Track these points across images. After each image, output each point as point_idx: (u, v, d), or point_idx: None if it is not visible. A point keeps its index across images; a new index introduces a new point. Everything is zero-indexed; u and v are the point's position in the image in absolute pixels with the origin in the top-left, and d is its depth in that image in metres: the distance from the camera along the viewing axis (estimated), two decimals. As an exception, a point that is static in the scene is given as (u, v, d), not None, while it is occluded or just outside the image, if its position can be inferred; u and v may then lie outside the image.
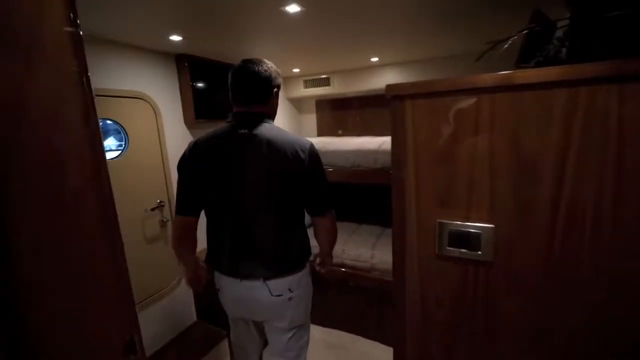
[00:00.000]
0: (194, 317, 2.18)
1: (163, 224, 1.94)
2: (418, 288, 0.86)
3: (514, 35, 0.84)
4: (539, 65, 0.77)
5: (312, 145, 1.13)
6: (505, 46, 0.78)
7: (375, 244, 2.25)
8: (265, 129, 1.10)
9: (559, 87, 0.65)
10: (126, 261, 0.87)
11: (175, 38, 1.63)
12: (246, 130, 1.09)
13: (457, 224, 0.78)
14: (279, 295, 1.16)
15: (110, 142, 2.04)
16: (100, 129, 0.80)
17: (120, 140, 1.89)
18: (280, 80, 1.18)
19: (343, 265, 2.21)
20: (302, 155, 1.08)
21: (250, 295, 1.18)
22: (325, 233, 1.25)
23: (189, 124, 2.09)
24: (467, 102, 0.73)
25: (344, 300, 2.29)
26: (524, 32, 0.82)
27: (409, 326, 0.90)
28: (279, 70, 1.18)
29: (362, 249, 2.20)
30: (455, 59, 2.37)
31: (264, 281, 1.15)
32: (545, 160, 0.68)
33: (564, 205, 0.68)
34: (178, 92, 2.02)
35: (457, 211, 0.78)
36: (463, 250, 0.78)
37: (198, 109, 2.06)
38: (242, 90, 1.12)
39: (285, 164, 1.07)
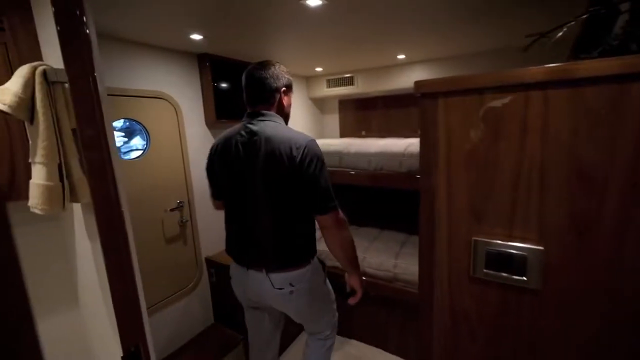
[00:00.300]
0: (212, 320, 2.17)
1: (182, 224, 1.93)
2: (448, 314, 0.76)
3: (571, 21, 0.71)
4: (603, 55, 0.64)
5: (310, 142, 1.12)
6: (560, 34, 0.66)
7: (398, 253, 2.13)
8: (267, 127, 1.14)
9: (634, 82, 0.52)
10: (133, 270, 0.83)
11: (196, 37, 1.61)
12: (250, 129, 1.16)
13: (496, 243, 0.66)
14: (280, 289, 1.20)
15: (136, 142, 2.07)
16: (107, 129, 0.77)
17: (144, 140, 1.91)
18: (286, 81, 1.24)
19: (364, 274, 2.10)
20: (294, 152, 1.08)
21: (255, 285, 1.24)
22: (329, 234, 1.19)
23: (210, 123, 2.08)
24: (512, 100, 0.61)
25: (364, 310, 2.18)
26: (583, 17, 0.69)
27: (438, 358, 0.79)
28: (285, 70, 1.24)
29: (384, 257, 2.08)
30: (487, 55, 2.20)
31: (266, 273, 1.19)
32: (613, 171, 0.55)
33: (635, 229, 0.55)
34: (199, 92, 2.01)
35: (497, 228, 0.67)
36: (504, 274, 0.66)
37: (219, 108, 2.04)
38: (249, 93, 1.22)
39: (279, 161, 1.09)
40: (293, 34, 1.68)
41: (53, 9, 0.65)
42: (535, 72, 0.58)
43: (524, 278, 0.64)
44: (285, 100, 1.25)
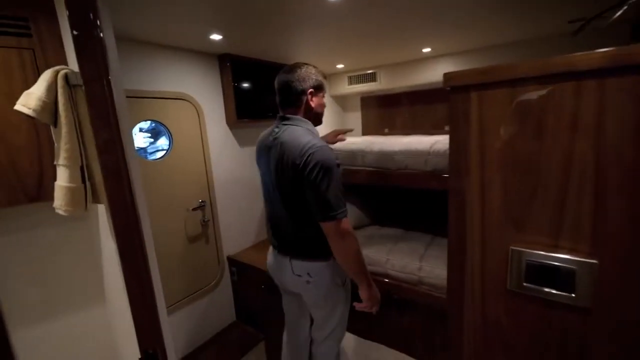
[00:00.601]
0: (234, 317, 2.18)
1: (204, 223, 1.95)
2: (481, 329, 0.68)
3: (628, 2, 0.61)
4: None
5: (317, 149, 1.11)
6: (619, 13, 0.56)
7: (423, 255, 2.03)
8: (286, 132, 1.20)
9: None
10: (150, 274, 0.82)
11: (216, 37, 1.60)
12: (274, 133, 1.25)
13: (539, 254, 0.59)
14: (299, 275, 1.29)
15: (162, 142, 2.11)
16: (123, 132, 0.76)
17: (169, 140, 1.94)
18: (313, 82, 1.26)
19: (386, 276, 2.03)
20: (298, 159, 1.12)
21: (280, 268, 1.35)
22: (331, 242, 1.18)
23: (231, 124, 2.08)
24: (560, 91, 0.53)
25: (387, 313, 2.11)
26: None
27: (468, 377, 0.72)
28: (314, 71, 1.26)
29: (408, 260, 2.00)
30: (519, 45, 2.04)
31: (289, 259, 1.29)
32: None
33: None
34: (220, 92, 2.02)
35: (540, 237, 0.59)
36: (547, 289, 0.59)
37: (240, 108, 2.04)
38: (278, 97, 1.29)
39: (286, 167, 1.15)
40: (313, 31, 1.63)
41: (67, 12, 0.64)
42: (590, 58, 0.49)
43: (572, 295, 0.56)
44: (313, 102, 1.26)
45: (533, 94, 0.55)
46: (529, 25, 1.75)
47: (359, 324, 2.22)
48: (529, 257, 0.60)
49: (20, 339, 1.23)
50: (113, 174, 0.69)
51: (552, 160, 0.55)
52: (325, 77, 1.40)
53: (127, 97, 1.53)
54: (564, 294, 0.57)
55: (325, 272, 1.27)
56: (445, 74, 0.62)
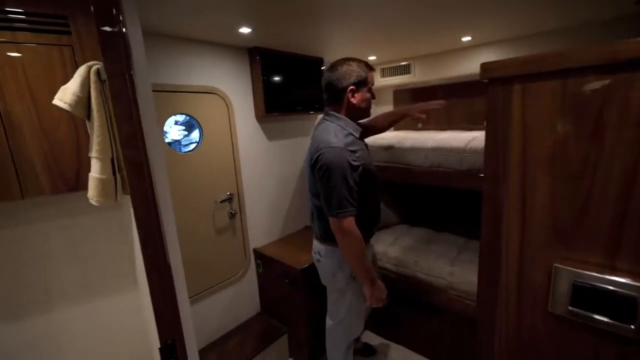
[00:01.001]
0: (258, 309, 2.22)
1: (232, 215, 1.99)
2: (515, 353, 0.61)
3: None
4: None
5: (327, 150, 1.20)
6: None
7: (455, 259, 1.92)
8: (320, 127, 1.33)
9: None
10: (170, 265, 0.84)
11: (245, 30, 1.60)
12: (315, 126, 1.39)
13: (589, 275, 0.50)
14: (315, 253, 1.51)
15: (195, 135, 2.18)
16: (146, 126, 0.77)
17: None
18: (354, 78, 1.29)
19: (414, 279, 1.95)
20: (312, 157, 1.26)
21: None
22: (335, 236, 1.29)
23: (260, 117, 2.09)
24: (628, 83, 0.44)
25: (413, 315, 2.03)
26: None
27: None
28: (355, 67, 1.29)
29: (439, 263, 1.90)
30: (572, 31, 1.82)
31: (313, 238, 1.52)
32: None
33: None
34: (250, 86, 2.02)
35: (592, 256, 0.50)
36: (598, 316, 0.50)
37: (269, 102, 2.03)
38: (324, 94, 1.38)
39: (309, 159, 1.31)
40: (345, 22, 1.57)
41: (92, 7, 0.65)
42: (669, 41, 0.40)
43: (631, 326, 0.48)
44: (355, 98, 1.31)
45: (591, 86, 0.47)
46: (585, 9, 1.55)
47: (384, 324, 2.17)
48: (577, 278, 0.52)
49: (61, 314, 1.34)
50: (134, 167, 0.70)
51: (613, 164, 0.47)
52: (372, 68, 1.36)
53: (159, 91, 1.58)
54: (620, 324, 0.48)
55: (332, 256, 1.41)
56: (483, 65, 0.54)
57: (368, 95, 1.34)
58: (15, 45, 1.03)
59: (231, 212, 1.98)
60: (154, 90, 1.53)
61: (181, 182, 1.73)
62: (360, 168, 1.26)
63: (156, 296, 0.78)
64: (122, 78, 0.67)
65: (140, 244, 0.74)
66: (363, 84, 1.31)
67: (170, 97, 1.65)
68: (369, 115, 1.43)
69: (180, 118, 1.92)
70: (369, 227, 1.47)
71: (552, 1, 1.44)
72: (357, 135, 1.33)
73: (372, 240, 1.74)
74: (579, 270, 0.51)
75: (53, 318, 1.31)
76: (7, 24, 1.01)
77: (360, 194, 1.28)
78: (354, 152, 1.25)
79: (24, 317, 1.25)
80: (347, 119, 1.33)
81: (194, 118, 1.80)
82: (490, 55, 2.15)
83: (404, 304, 2.05)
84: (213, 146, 1.87)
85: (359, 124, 1.37)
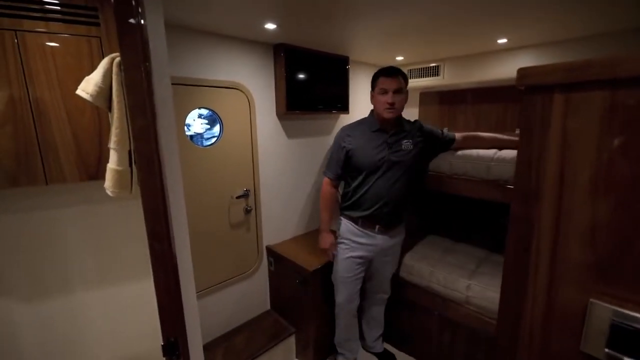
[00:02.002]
0: (268, 306, 2.22)
1: (247, 212, 1.99)
2: (536, 391, 0.55)
3: None
4: None
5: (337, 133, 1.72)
6: None
7: (474, 272, 1.82)
8: None
9: None
10: (176, 261, 0.83)
11: (270, 26, 1.58)
12: None
13: (632, 315, 0.43)
14: None
15: (217, 129, 2.20)
16: (160, 120, 0.76)
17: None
18: (372, 85, 1.65)
19: (429, 289, 1.87)
20: None
21: None
22: None
23: (280, 115, 2.08)
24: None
25: (426, 328, 1.95)
26: None
27: None
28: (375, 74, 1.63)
29: (455, 275, 1.81)
30: (627, 35, 1.66)
31: None
32: None
33: None
34: (272, 83, 2.01)
35: (636, 292, 0.43)
36: (642, 365, 0.43)
37: (290, 100, 2.01)
38: None
39: None
40: (373, 19, 1.51)
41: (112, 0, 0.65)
42: None
43: (683, 382, 0.41)
44: (373, 101, 1.66)
45: (651, 99, 0.40)
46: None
47: (394, 334, 2.10)
48: (616, 317, 0.45)
49: (77, 298, 1.38)
50: (145, 160, 0.69)
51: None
52: (387, 73, 1.58)
53: (181, 84, 1.60)
54: (668, 377, 0.42)
55: (339, 226, 1.79)
56: (520, 70, 0.48)
57: (380, 98, 1.58)
58: (48, 35, 1.06)
59: (247, 208, 1.98)
60: (176, 84, 1.56)
61: (199, 176, 1.75)
62: (345, 150, 1.64)
63: (161, 292, 0.78)
64: (137, 69, 0.66)
65: (147, 237, 0.74)
66: (373, 88, 1.63)
67: (193, 91, 1.67)
68: (387, 117, 1.58)
69: (204, 112, 1.94)
70: (363, 209, 1.67)
71: (608, 1, 1.31)
72: (372, 129, 1.63)
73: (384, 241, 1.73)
74: (620, 309, 0.45)
75: (70, 301, 1.36)
76: (43, 15, 1.04)
77: (350, 176, 1.68)
78: (349, 136, 1.65)
79: (42, 297, 1.31)
80: (372, 116, 1.69)
81: (215, 112, 1.80)
82: (527, 60, 2.01)
83: (415, 314, 1.97)
84: (232, 142, 1.87)
85: (385, 121, 1.61)
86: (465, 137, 1.73)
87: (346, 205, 1.74)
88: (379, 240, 1.71)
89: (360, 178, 1.64)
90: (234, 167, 1.90)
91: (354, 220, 1.70)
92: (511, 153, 1.57)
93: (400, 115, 1.68)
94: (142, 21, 0.67)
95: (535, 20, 1.55)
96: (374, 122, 1.64)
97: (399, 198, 1.65)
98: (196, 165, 1.73)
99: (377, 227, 1.68)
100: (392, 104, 1.55)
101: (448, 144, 1.74)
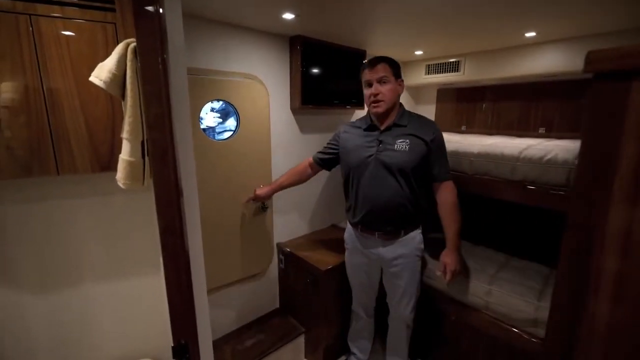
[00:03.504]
0: (277, 304, 2.19)
1: (263, 209, 1.94)
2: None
3: None
4: None
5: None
6: None
7: (494, 277, 1.74)
8: None
9: None
10: (188, 256, 0.79)
11: (288, 16, 1.53)
12: None
13: None
14: None
15: (230, 123, 2.16)
16: (175, 110, 0.72)
17: (237, 121, 1.96)
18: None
19: (446, 293, 1.80)
20: None
21: None
22: None
23: (295, 109, 2.03)
24: None
25: (441, 333, 1.89)
26: None
27: None
28: None
29: (474, 279, 1.73)
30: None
31: None
32: None
33: None
34: (287, 76, 1.96)
35: None
36: None
37: (305, 94, 1.96)
38: None
39: None
40: (395, 10, 1.44)
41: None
42: None
43: None
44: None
45: None
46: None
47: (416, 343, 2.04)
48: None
49: (88, 292, 1.36)
50: (159, 150, 0.65)
51: None
52: (368, 64, 1.45)
53: (196, 75, 1.56)
54: None
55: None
56: (590, 53, 0.41)
57: (365, 92, 1.47)
58: (63, 20, 1.03)
59: (263, 206, 1.94)
60: (190, 74, 1.52)
61: (214, 170, 1.71)
62: (334, 142, 1.63)
63: (172, 289, 0.74)
64: (154, 56, 0.62)
65: (159, 232, 0.70)
66: (361, 82, 1.50)
67: (208, 82, 1.63)
68: (373, 112, 1.46)
69: (217, 105, 1.90)
70: (355, 213, 1.56)
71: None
72: (364, 126, 1.53)
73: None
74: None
75: (80, 293, 1.35)
76: (58, -1, 1.01)
77: (344, 176, 1.59)
78: (345, 132, 1.60)
79: (52, 288, 1.29)
80: (368, 113, 1.55)
81: (232, 105, 1.76)
82: (557, 55, 1.91)
83: (432, 320, 1.91)
84: (248, 137, 1.82)
85: (378, 116, 1.48)
86: (444, 203, 1.51)
87: (346, 209, 1.67)
88: (380, 249, 1.56)
89: (350, 178, 1.55)
90: (250, 162, 1.84)
91: (354, 225, 1.62)
92: (539, 153, 1.49)
93: (397, 108, 1.47)
94: (160, 8, 0.62)
95: (568, 12, 1.46)
96: (367, 119, 1.54)
97: (391, 204, 1.45)
98: (213, 159, 1.69)
99: (377, 234, 1.53)
100: (376, 95, 1.40)
101: (434, 178, 1.50)
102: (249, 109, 1.79)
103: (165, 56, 0.64)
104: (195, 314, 0.77)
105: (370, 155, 1.45)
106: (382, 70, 1.39)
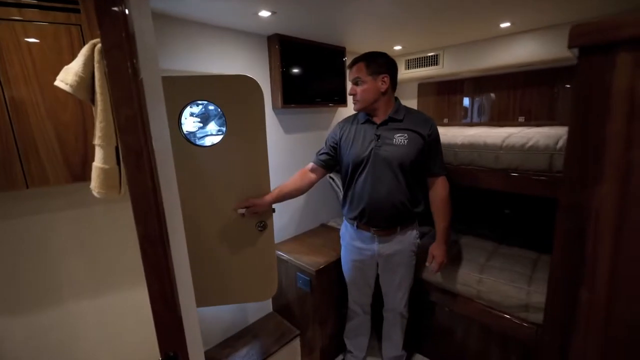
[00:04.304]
0: (270, 308, 2.15)
1: (260, 229, 1.83)
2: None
3: None
4: None
5: None
6: None
7: (484, 266, 1.76)
8: None
9: None
10: (171, 266, 0.75)
11: (265, 14, 1.49)
12: None
13: None
14: None
15: (211, 127, 2.10)
16: (150, 112, 0.68)
17: (220, 125, 1.87)
18: None
19: (438, 284, 1.81)
20: None
21: None
22: None
23: (277, 109, 1.99)
24: None
25: (434, 325, 1.90)
26: None
27: None
28: None
29: (465, 269, 1.75)
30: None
31: None
32: None
33: None
34: (267, 76, 1.93)
35: None
36: None
37: (287, 93, 1.93)
38: None
39: None
40: (371, 4, 1.44)
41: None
42: None
43: None
44: None
45: None
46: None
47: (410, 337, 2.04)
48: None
49: (69, 308, 1.29)
50: (133, 155, 0.61)
51: None
52: (351, 63, 1.51)
53: (174, 76, 1.49)
54: None
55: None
56: (574, 27, 0.41)
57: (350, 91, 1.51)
58: (22, 24, 0.96)
59: (260, 223, 1.83)
60: (168, 76, 1.45)
61: (200, 175, 1.63)
62: (331, 138, 1.60)
63: (156, 300, 0.70)
64: (121, 57, 0.58)
65: (139, 241, 0.66)
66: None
67: (189, 83, 1.56)
68: (356, 109, 1.53)
69: (196, 110, 1.84)
70: (352, 209, 1.56)
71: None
72: (362, 120, 1.54)
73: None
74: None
75: (61, 312, 1.27)
76: (16, 0, 0.94)
77: (343, 173, 1.58)
78: (343, 128, 1.59)
79: (30, 309, 1.21)
80: None
81: (217, 106, 1.69)
82: (533, 44, 1.95)
83: (426, 311, 1.91)
84: (236, 139, 1.74)
85: (368, 113, 1.53)
86: (438, 198, 1.55)
87: (342, 205, 1.67)
88: (375, 245, 1.57)
89: (348, 174, 1.54)
90: (244, 166, 1.70)
91: (350, 221, 1.62)
92: (520, 141, 1.51)
93: (385, 103, 1.49)
94: (125, 8, 0.58)
95: (536, 2, 1.49)
96: (363, 113, 1.55)
97: (389, 199, 1.46)
98: (198, 165, 1.61)
99: (373, 230, 1.54)
100: (353, 95, 1.49)
101: (429, 173, 1.54)
102: (236, 110, 1.71)
103: (134, 56, 0.61)
104: (182, 324, 0.73)
105: (370, 150, 1.45)
106: (356, 72, 1.46)
